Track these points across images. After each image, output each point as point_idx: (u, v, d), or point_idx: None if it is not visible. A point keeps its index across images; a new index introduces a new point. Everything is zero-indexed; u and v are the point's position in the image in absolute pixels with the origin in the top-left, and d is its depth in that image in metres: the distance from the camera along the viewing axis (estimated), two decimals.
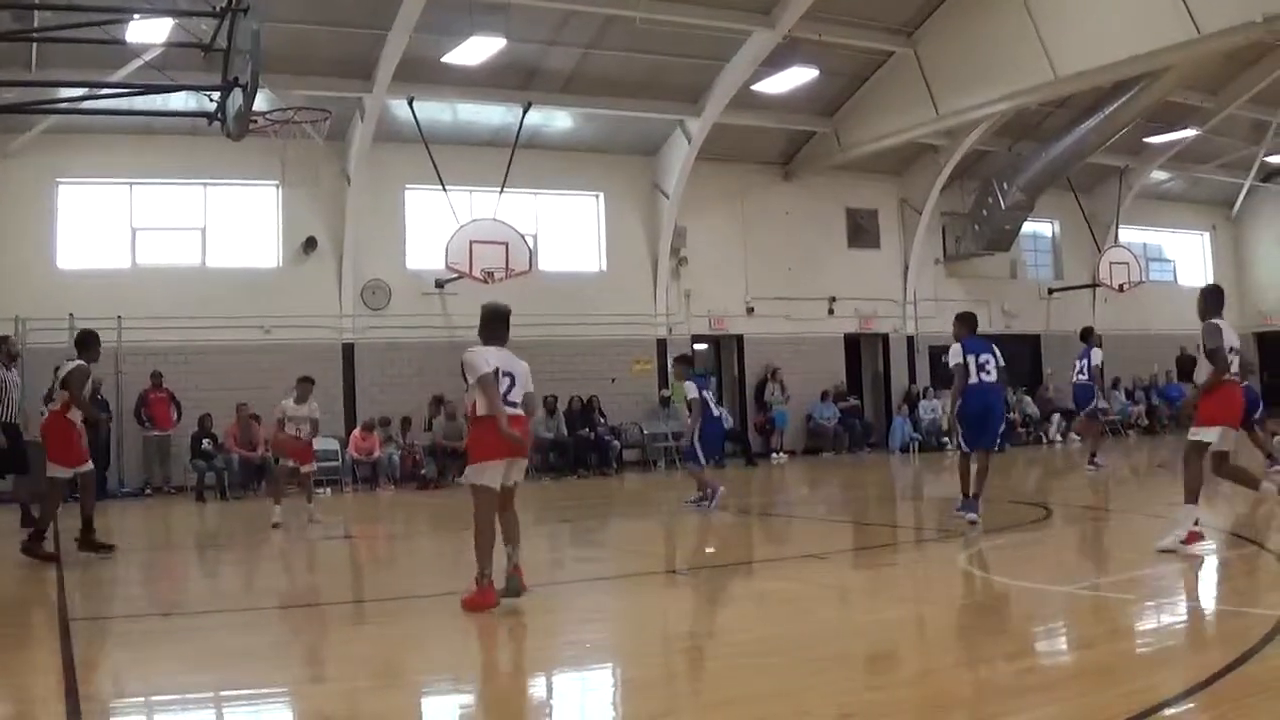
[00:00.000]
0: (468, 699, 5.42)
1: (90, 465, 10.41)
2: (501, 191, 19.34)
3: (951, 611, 6.96)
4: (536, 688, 5.64)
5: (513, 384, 7.00)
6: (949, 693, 4.89)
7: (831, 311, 24.02)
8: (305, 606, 8.08)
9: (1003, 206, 23.78)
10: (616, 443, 20.60)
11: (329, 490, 17.74)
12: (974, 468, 10.42)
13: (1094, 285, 25.91)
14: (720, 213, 22.89)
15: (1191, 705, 4.44)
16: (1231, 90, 23.62)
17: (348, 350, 19.85)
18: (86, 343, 10.42)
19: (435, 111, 19.59)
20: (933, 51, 20.08)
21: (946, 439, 22.37)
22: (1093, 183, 26.53)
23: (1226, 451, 8.31)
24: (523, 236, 19.16)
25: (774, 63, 19.27)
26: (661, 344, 22.10)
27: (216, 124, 10.20)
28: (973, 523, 10.03)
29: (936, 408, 23.18)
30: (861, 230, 24.71)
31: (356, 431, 18.71)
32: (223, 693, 5.34)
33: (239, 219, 19.65)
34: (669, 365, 20.05)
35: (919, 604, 7.37)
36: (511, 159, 19.32)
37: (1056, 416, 24.46)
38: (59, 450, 9.96)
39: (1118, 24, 16.73)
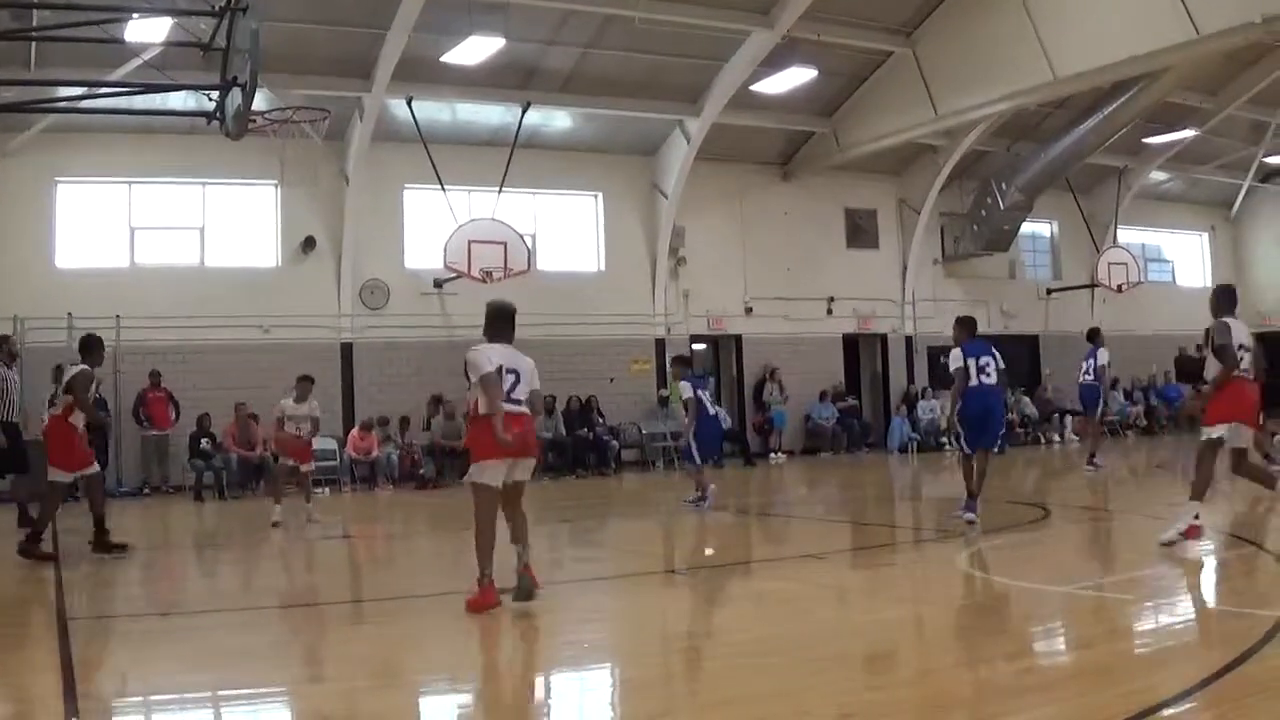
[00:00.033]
0: (466, 699, 5.41)
1: (96, 468, 10.39)
2: (500, 191, 19.34)
3: (950, 612, 6.96)
4: (535, 688, 5.64)
5: (517, 381, 6.95)
6: (948, 693, 4.89)
7: (830, 312, 24.02)
8: (303, 606, 8.07)
9: (1001, 207, 23.78)
10: (615, 443, 20.60)
11: (327, 490, 17.73)
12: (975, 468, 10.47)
13: (1092, 286, 25.91)
14: (719, 213, 22.90)
15: (1190, 705, 4.44)
16: (1230, 91, 23.64)
17: (346, 350, 19.85)
18: (90, 347, 10.41)
19: (434, 111, 19.59)
20: (932, 52, 20.08)
21: (945, 439, 22.43)
22: (1091, 183, 26.54)
23: (1245, 449, 8.33)
24: (521, 236, 19.17)
25: (773, 63, 19.27)
26: (660, 344, 22.09)
27: (215, 123, 10.20)
28: (970, 523, 10.06)
29: (935, 408, 23.20)
30: (860, 230, 24.71)
31: (355, 431, 18.70)
32: (221, 692, 5.33)
33: (238, 218, 19.64)
34: (667, 365, 20.05)
35: (918, 604, 7.38)
36: (510, 159, 19.32)
37: (1060, 417, 24.46)
38: (60, 454, 9.95)
39: (1117, 24, 16.73)
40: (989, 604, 7.33)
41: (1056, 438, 24.20)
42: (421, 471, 18.63)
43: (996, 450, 11.02)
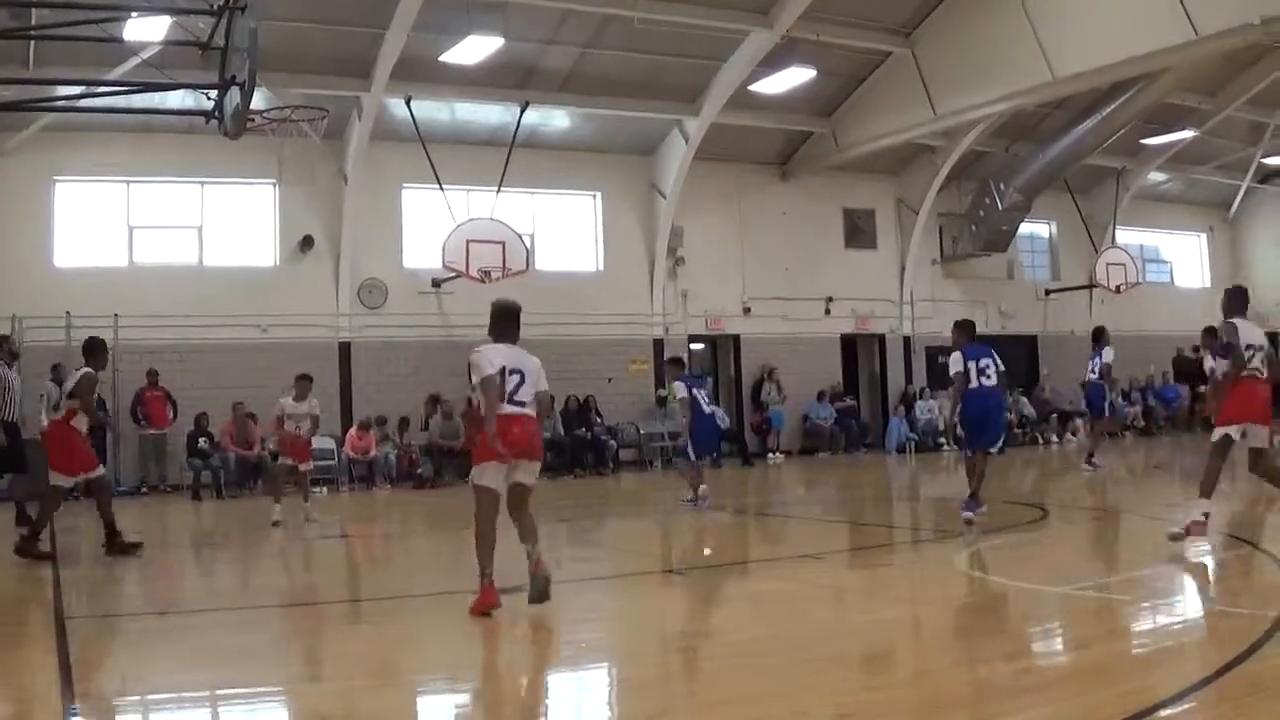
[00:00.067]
0: (463, 698, 5.41)
1: (101, 470, 10.38)
2: (499, 191, 19.34)
3: (948, 612, 6.97)
4: (532, 687, 5.63)
5: (522, 381, 6.85)
6: (946, 693, 4.89)
7: (828, 312, 24.02)
8: (301, 605, 8.07)
9: (1000, 207, 23.80)
10: (613, 442, 20.60)
11: (325, 490, 17.72)
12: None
13: (1091, 286, 25.91)
14: (717, 213, 22.90)
15: (1187, 706, 4.44)
16: (1229, 92, 23.66)
17: (344, 349, 19.84)
18: (94, 350, 10.39)
19: (433, 110, 19.59)
20: (930, 52, 20.09)
21: (943, 439, 22.46)
22: (1090, 184, 26.55)
23: (1263, 449, 8.35)
24: (520, 236, 19.17)
25: (772, 63, 19.27)
26: (658, 344, 22.10)
27: (214, 122, 10.19)
28: (968, 522, 10.09)
29: (933, 408, 23.22)
30: (858, 230, 24.71)
31: (353, 431, 18.69)
32: (219, 691, 5.33)
33: (236, 218, 19.65)
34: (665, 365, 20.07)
35: (915, 604, 7.38)
36: (509, 158, 19.32)
37: (1059, 418, 24.45)
38: (62, 459, 9.94)
39: (1116, 25, 16.74)
40: (987, 604, 7.33)
41: (1054, 438, 24.20)
42: (419, 471, 18.64)
43: (997, 451, 11.07)
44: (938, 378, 22.46)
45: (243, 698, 5.28)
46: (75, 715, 4.84)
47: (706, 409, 13.47)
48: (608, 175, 22.17)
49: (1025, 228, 25.59)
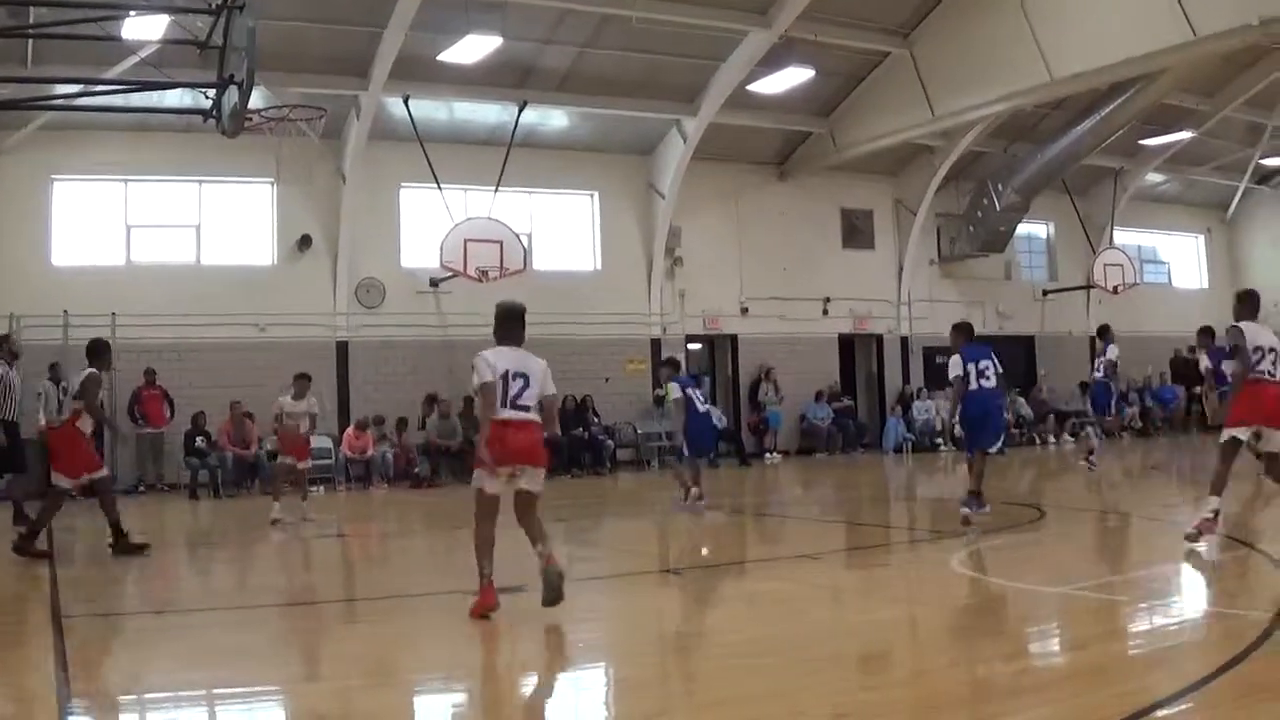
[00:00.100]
0: (460, 698, 5.40)
1: (104, 471, 10.37)
2: (497, 190, 19.33)
3: (945, 612, 6.96)
4: (530, 687, 5.64)
5: (526, 385, 6.69)
6: (943, 693, 4.89)
7: (826, 312, 24.02)
8: (298, 605, 8.06)
9: (998, 208, 23.81)
10: (610, 442, 20.60)
11: (322, 489, 17.70)
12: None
13: (1088, 287, 25.93)
14: (715, 212, 22.90)
15: (1185, 706, 4.44)
16: (1227, 93, 23.68)
17: (342, 348, 19.83)
18: (98, 351, 10.38)
19: (431, 110, 19.58)
20: (929, 52, 20.09)
21: (940, 439, 22.48)
22: (1088, 184, 26.56)
23: (1276, 453, 8.35)
24: (517, 235, 19.15)
25: (770, 63, 19.27)
26: (656, 344, 22.09)
27: (212, 121, 10.18)
28: (966, 520, 10.11)
29: (930, 408, 23.23)
30: (856, 231, 24.72)
31: (350, 430, 18.68)
32: (215, 690, 5.32)
33: (234, 216, 19.63)
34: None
35: (912, 604, 7.39)
36: (507, 158, 19.30)
37: (1057, 418, 24.45)
38: (66, 461, 9.92)
39: (1114, 26, 16.75)
40: (984, 604, 7.33)
41: (1052, 438, 24.21)
42: (416, 470, 18.63)
43: (997, 451, 11.11)
44: (935, 378, 22.48)
45: (240, 697, 5.28)
46: (73, 714, 4.84)
47: (701, 407, 13.47)
48: (606, 175, 22.16)
49: (1023, 228, 25.60)
